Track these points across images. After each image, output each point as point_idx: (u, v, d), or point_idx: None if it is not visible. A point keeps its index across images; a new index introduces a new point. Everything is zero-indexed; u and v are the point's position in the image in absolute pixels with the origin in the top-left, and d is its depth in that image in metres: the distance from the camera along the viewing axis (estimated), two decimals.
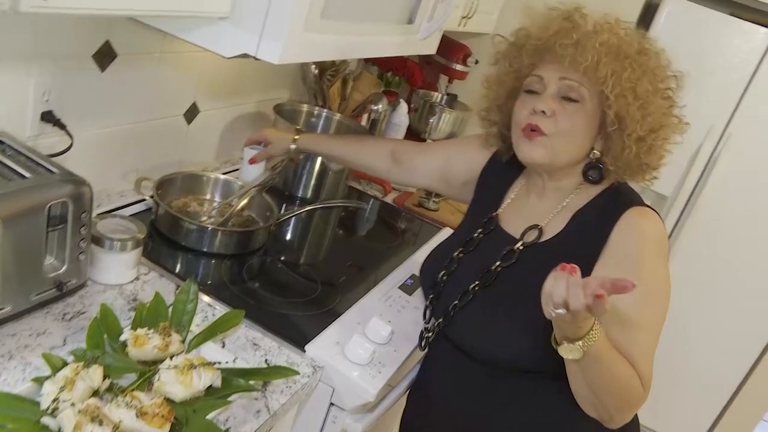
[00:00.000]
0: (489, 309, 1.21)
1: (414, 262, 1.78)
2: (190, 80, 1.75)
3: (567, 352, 1.00)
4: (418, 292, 1.63)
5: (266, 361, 1.25)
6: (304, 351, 1.29)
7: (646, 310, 1.10)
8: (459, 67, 2.79)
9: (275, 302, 1.45)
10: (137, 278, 1.35)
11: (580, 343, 0.98)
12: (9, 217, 1.01)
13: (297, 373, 1.18)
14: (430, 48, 1.87)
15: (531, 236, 1.23)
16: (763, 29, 2.54)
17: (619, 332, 1.07)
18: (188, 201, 1.72)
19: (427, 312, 1.34)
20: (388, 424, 1.59)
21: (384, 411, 1.37)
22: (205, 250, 1.54)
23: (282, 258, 1.67)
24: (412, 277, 1.69)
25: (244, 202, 1.65)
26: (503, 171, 1.38)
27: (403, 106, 2.37)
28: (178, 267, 1.47)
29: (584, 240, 1.17)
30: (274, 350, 1.28)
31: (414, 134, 2.77)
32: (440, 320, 1.27)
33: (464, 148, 1.51)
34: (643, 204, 1.19)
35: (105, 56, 1.44)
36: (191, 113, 1.81)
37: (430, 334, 1.31)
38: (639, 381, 1.07)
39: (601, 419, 1.12)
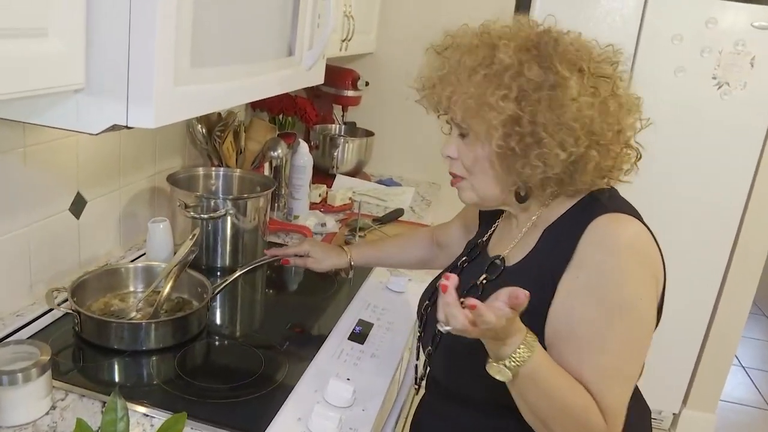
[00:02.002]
0: (460, 344, 1.05)
1: (356, 307, 1.64)
2: (67, 170, 1.57)
3: (495, 371, 0.93)
4: (371, 339, 1.50)
5: None
6: None
7: (610, 330, 0.97)
8: (350, 93, 2.70)
9: (219, 392, 1.27)
10: (53, 407, 1.15)
11: (507, 361, 0.91)
12: None
13: None
14: (318, 77, 1.75)
15: (495, 268, 1.16)
16: None
17: (576, 356, 0.97)
18: (109, 300, 1.53)
19: (418, 345, 1.29)
20: None
21: None
22: (143, 348, 1.36)
23: (216, 338, 1.49)
24: (360, 323, 1.55)
25: (170, 283, 1.46)
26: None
27: (304, 146, 2.24)
28: (111, 376, 1.28)
29: (553, 255, 1.06)
30: None
31: (321, 172, 2.65)
32: (427, 358, 1.22)
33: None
34: (621, 210, 1.05)
35: None
36: (77, 205, 1.62)
37: (422, 369, 1.25)
38: (596, 411, 0.95)
39: None
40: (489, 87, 1.02)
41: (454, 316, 0.86)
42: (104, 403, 1.17)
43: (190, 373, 1.32)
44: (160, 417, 1.16)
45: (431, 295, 1.26)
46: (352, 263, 1.60)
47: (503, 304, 0.86)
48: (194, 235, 1.50)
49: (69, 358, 1.33)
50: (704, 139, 2.69)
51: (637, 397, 1.17)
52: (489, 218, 1.31)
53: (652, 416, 3.00)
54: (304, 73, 1.64)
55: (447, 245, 1.55)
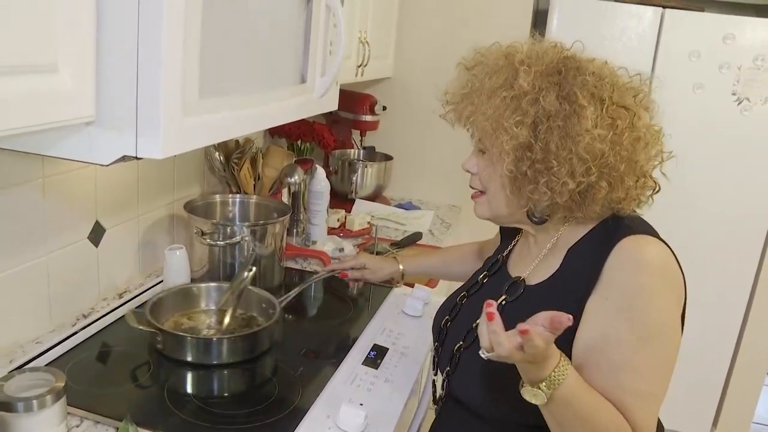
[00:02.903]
0: (479, 365, 1.07)
1: (372, 331, 1.64)
2: (86, 199, 1.60)
3: (530, 395, 0.93)
4: (385, 364, 1.49)
5: None
6: None
7: (640, 351, 0.98)
8: (368, 117, 2.72)
9: (233, 417, 1.28)
10: None
11: (543, 385, 0.91)
12: None
13: None
14: (331, 104, 1.77)
15: (515, 288, 1.16)
16: (651, 8, 2.56)
17: (607, 377, 0.98)
18: (179, 319, 1.62)
19: (435, 363, 1.30)
20: None
21: None
22: (215, 362, 1.45)
23: (232, 364, 1.50)
24: (374, 348, 1.55)
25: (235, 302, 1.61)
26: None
27: (321, 172, 2.26)
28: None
29: (577, 277, 1.06)
30: None
31: (340, 196, 2.67)
32: (447, 368, 1.21)
33: None
34: (645, 232, 1.05)
35: None
36: (96, 234, 1.65)
37: (441, 387, 1.25)
38: (623, 420, 0.96)
39: None
40: (506, 110, 1.04)
41: (500, 343, 0.87)
42: (118, 429, 1.18)
43: (203, 398, 1.34)
44: None
45: (450, 311, 1.28)
46: (404, 273, 1.71)
47: (543, 329, 0.86)
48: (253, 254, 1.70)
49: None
50: (725, 156, 2.66)
51: None
52: (509, 234, 1.33)
53: None
54: (317, 101, 1.66)
55: None
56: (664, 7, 2.53)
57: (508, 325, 1.00)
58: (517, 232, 1.30)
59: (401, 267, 1.71)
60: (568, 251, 1.11)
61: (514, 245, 1.30)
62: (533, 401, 0.93)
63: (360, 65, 2.35)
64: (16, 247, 1.40)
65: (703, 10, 2.57)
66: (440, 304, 1.36)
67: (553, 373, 0.91)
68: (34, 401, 1.10)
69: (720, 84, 2.58)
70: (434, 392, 1.31)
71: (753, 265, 2.81)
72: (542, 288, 1.12)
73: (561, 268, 1.11)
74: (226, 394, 1.40)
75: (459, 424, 1.20)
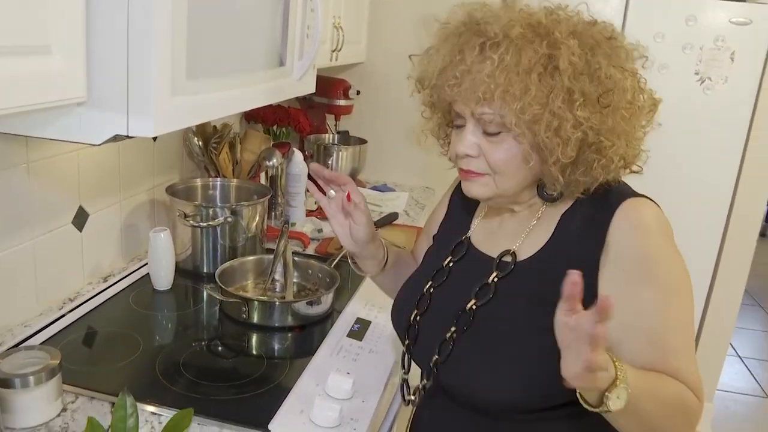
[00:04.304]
0: (479, 348, 1.05)
1: (353, 306, 1.69)
2: (69, 184, 1.62)
3: (614, 403, 0.83)
4: (369, 336, 1.54)
5: None
6: (269, 431, 1.18)
7: (670, 312, 0.97)
8: (342, 102, 2.76)
9: (222, 389, 1.32)
10: (64, 410, 1.20)
11: (620, 384, 0.83)
12: None
13: None
14: (309, 87, 1.80)
15: (505, 265, 1.09)
16: None
17: (647, 347, 0.95)
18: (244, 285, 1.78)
19: (406, 359, 1.20)
20: None
21: None
22: (276, 325, 1.57)
23: (218, 340, 1.54)
24: (358, 321, 1.60)
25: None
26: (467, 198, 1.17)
27: (298, 155, 2.29)
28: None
29: (576, 246, 1.03)
30: None
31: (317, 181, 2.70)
32: (432, 368, 1.11)
33: (435, 209, 1.37)
34: (636, 194, 1.04)
35: None
36: (80, 218, 1.67)
37: (421, 385, 1.15)
38: (688, 391, 0.94)
39: None
40: (552, 91, 0.94)
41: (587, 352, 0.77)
42: (113, 404, 1.22)
43: (194, 374, 1.37)
44: (168, 414, 1.20)
45: (417, 304, 1.17)
46: (387, 262, 1.33)
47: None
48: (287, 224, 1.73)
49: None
50: (690, 134, 2.74)
51: None
52: (464, 213, 1.24)
53: None
54: (296, 83, 1.70)
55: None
56: None
57: (507, 308, 1.03)
58: (476, 206, 1.22)
59: (386, 254, 1.34)
60: (560, 219, 1.07)
61: (476, 223, 1.22)
62: (618, 407, 0.83)
63: (334, 50, 2.38)
64: (1, 232, 1.42)
65: None
66: (393, 302, 1.27)
67: (618, 370, 0.83)
68: (31, 377, 1.13)
69: (683, 64, 2.67)
70: (405, 390, 1.21)
71: (717, 237, 2.91)
72: (536, 260, 1.07)
73: (554, 237, 1.06)
74: (214, 369, 1.44)
75: (452, 418, 1.14)
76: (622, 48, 1.00)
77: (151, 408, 1.23)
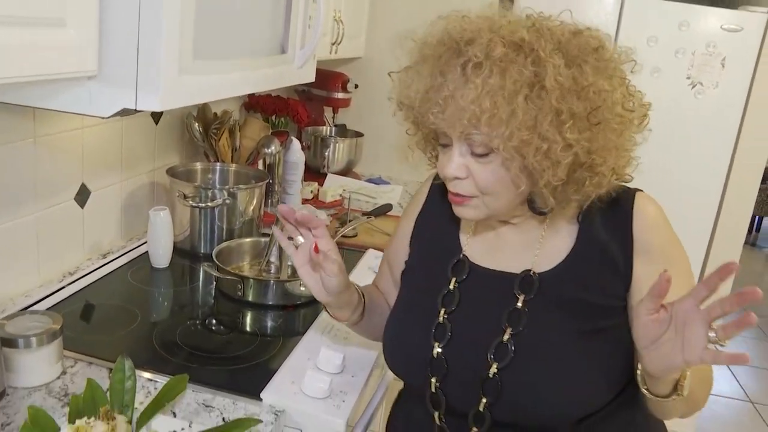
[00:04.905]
0: (530, 376, 1.01)
1: None
2: (73, 161, 1.67)
3: (686, 388, 0.90)
4: None
5: (223, 419, 1.17)
6: (261, 399, 1.22)
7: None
8: (340, 95, 2.81)
9: (217, 360, 1.37)
10: (63, 373, 1.25)
11: (688, 372, 0.90)
12: None
13: (259, 421, 1.10)
14: (309, 75, 1.85)
15: (530, 284, 1.04)
16: None
17: None
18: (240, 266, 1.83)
19: (438, 399, 1.06)
20: None
21: None
22: (270, 303, 1.63)
23: (210, 319, 1.59)
24: None
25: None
26: (445, 207, 1.09)
27: (296, 144, 2.34)
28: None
29: (605, 250, 1.03)
30: (229, 407, 1.20)
31: (313, 171, 2.75)
32: (484, 412, 1.02)
33: (395, 233, 1.29)
34: (633, 190, 1.07)
35: None
36: (82, 195, 1.72)
37: (474, 430, 1.05)
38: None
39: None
40: (539, 113, 0.89)
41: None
42: (111, 369, 1.26)
43: (190, 346, 1.42)
44: (163, 381, 1.24)
45: (434, 335, 1.07)
46: (365, 306, 1.21)
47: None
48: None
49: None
50: (680, 137, 2.80)
51: None
52: (441, 229, 1.16)
53: None
54: (296, 71, 1.74)
55: (390, 294, 1.27)
56: None
57: (544, 325, 1.01)
58: (458, 222, 1.15)
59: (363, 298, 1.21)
60: (580, 223, 1.05)
61: (465, 239, 1.14)
62: (688, 390, 0.90)
63: (334, 43, 2.43)
64: (6, 204, 1.46)
65: None
66: (391, 338, 1.15)
67: None
68: (33, 338, 1.18)
69: (676, 69, 2.72)
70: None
71: (704, 242, 2.96)
72: (563, 271, 1.04)
73: (579, 244, 1.04)
74: (210, 341, 1.48)
75: None
76: (610, 58, 0.96)
77: (147, 375, 1.27)
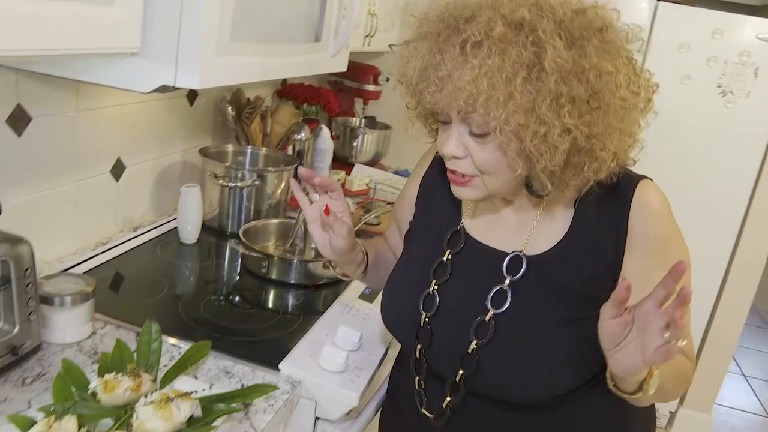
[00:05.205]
0: (507, 355, 1.04)
1: None
2: (110, 136, 1.73)
3: (653, 386, 0.91)
4: (379, 299, 1.62)
5: (242, 386, 1.22)
6: (279, 369, 1.28)
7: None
8: (371, 87, 2.86)
9: (238, 331, 1.43)
10: (94, 333, 1.31)
11: (656, 373, 0.91)
12: None
13: (276, 387, 1.16)
14: (341, 65, 1.90)
15: (517, 266, 1.06)
16: (647, 1, 2.70)
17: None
18: (265, 246, 1.87)
19: (421, 365, 1.13)
20: None
21: (369, 419, 1.36)
22: (292, 282, 1.68)
23: (234, 293, 1.65)
24: (369, 288, 1.69)
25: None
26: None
27: (326, 131, 2.39)
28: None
29: (599, 237, 1.03)
30: (248, 375, 1.26)
31: (341, 160, 2.80)
32: (459, 383, 1.07)
33: (402, 193, 1.33)
34: (638, 176, 1.05)
35: (19, 120, 1.41)
36: (118, 169, 1.79)
37: (446, 403, 1.10)
38: (687, 361, 1.04)
39: None
40: (537, 96, 0.88)
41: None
42: (138, 333, 1.32)
43: (213, 317, 1.48)
44: (187, 347, 1.30)
45: (423, 303, 1.11)
46: (367, 264, 1.28)
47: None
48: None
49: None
50: (707, 146, 2.81)
51: None
52: (445, 198, 1.16)
53: None
54: (329, 60, 1.79)
55: (398, 248, 1.31)
56: None
57: (527, 308, 1.03)
58: (450, 197, 1.13)
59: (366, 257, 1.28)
60: (576, 209, 1.05)
61: (466, 211, 1.16)
62: (653, 390, 0.91)
63: (367, 35, 2.47)
64: (47, 173, 1.53)
65: (693, 5, 2.71)
66: (386, 300, 1.21)
67: None
68: (68, 298, 1.24)
69: (707, 77, 2.73)
70: (421, 398, 1.16)
71: (727, 251, 2.97)
72: (553, 256, 1.05)
73: (573, 229, 1.05)
74: (233, 317, 1.54)
75: (489, 417, 1.11)
76: (615, 39, 0.93)
77: (172, 340, 1.33)
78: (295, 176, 1.21)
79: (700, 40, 2.69)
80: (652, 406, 1.21)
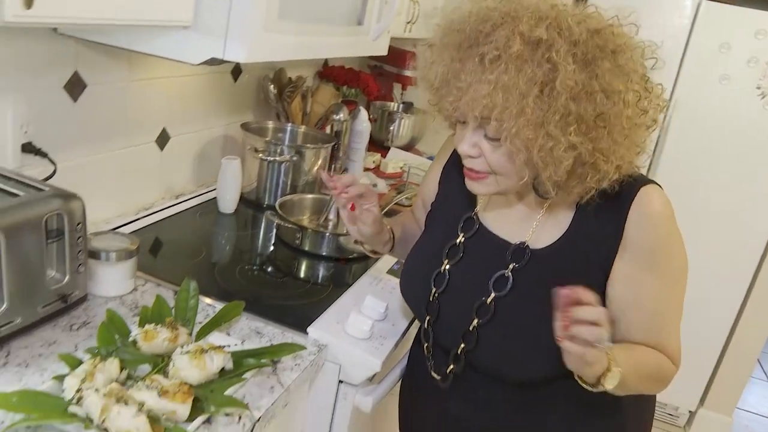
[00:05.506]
0: (504, 336, 1.12)
1: None
2: (157, 107, 1.81)
3: (610, 383, 0.98)
4: None
5: (271, 345, 1.29)
6: (307, 333, 1.34)
7: (669, 296, 1.10)
8: (410, 73, 2.90)
9: (270, 296, 1.51)
10: (135, 289, 1.39)
11: (616, 370, 0.98)
12: (9, 229, 1.05)
13: (304, 347, 1.23)
14: (382, 49, 1.95)
15: (520, 256, 1.13)
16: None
17: (643, 326, 1.09)
18: (300, 219, 1.94)
19: (428, 334, 1.24)
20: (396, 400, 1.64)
21: (391, 386, 1.42)
22: (323, 253, 1.75)
23: (268, 262, 1.72)
24: (398, 263, 1.75)
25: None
26: None
27: (364, 113, 2.45)
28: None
29: (595, 238, 1.09)
30: (277, 335, 1.33)
31: (377, 144, 2.86)
32: (460, 355, 1.17)
33: (428, 173, 1.42)
34: (645, 181, 1.09)
35: (75, 87, 1.49)
36: (163, 139, 1.87)
37: (449, 369, 1.21)
38: (668, 361, 1.10)
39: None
40: (548, 112, 0.94)
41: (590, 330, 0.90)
42: (176, 291, 1.40)
43: (247, 282, 1.56)
44: (221, 307, 1.37)
45: (434, 280, 1.20)
46: (394, 242, 1.40)
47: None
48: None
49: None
50: (742, 147, 2.79)
51: None
52: (459, 188, 1.21)
53: (669, 412, 3.11)
54: (371, 43, 1.85)
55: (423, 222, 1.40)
56: None
57: (526, 295, 1.10)
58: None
59: (392, 236, 1.40)
60: (577, 210, 1.11)
61: (482, 200, 1.23)
62: (612, 385, 0.98)
63: (408, 22, 2.52)
64: (97, 138, 1.62)
65: (737, 4, 2.70)
66: (405, 274, 1.31)
67: (610, 358, 0.97)
68: (113, 253, 1.33)
69: (746, 77, 2.72)
70: (430, 362, 1.27)
71: (758, 252, 2.95)
72: (551, 252, 1.12)
73: (572, 230, 1.11)
74: (265, 283, 1.61)
75: (486, 388, 1.20)
76: (630, 58, 0.99)
77: (207, 300, 1.41)
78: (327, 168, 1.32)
79: (742, 40, 2.68)
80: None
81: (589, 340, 0.90)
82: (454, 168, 1.28)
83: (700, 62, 2.72)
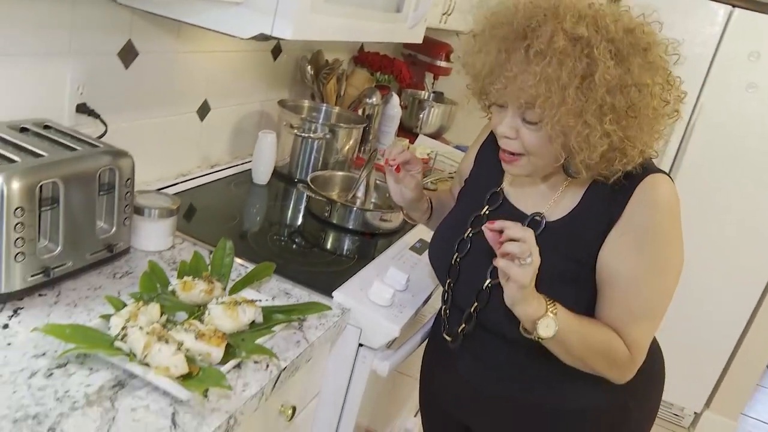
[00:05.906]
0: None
1: (418, 230, 1.91)
2: (201, 79, 1.91)
3: (544, 331, 1.08)
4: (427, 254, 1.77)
5: (299, 303, 1.38)
6: (332, 297, 1.43)
7: (648, 283, 1.15)
8: (443, 63, 2.98)
9: (299, 263, 1.59)
10: (173, 246, 1.49)
11: (551, 316, 1.08)
12: (68, 178, 1.15)
13: (329, 308, 1.32)
14: (417, 36, 2.03)
15: (536, 225, 1.21)
16: (722, 6, 2.74)
17: (615, 304, 1.16)
18: (329, 194, 1.97)
19: (448, 296, 1.35)
20: (412, 368, 1.71)
21: (408, 353, 1.50)
22: (350, 227, 1.83)
23: (297, 233, 1.81)
24: (420, 240, 1.83)
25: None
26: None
27: (395, 98, 2.53)
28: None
29: (599, 214, 1.17)
30: (304, 296, 1.42)
31: (406, 130, 2.94)
32: (473, 314, 1.27)
33: (467, 152, 1.51)
34: (657, 170, 1.17)
35: (128, 54, 1.59)
36: (203, 110, 1.96)
37: (461, 328, 1.30)
38: (623, 345, 1.15)
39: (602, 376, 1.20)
40: (587, 102, 1.04)
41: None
42: (211, 251, 1.49)
43: (277, 248, 1.65)
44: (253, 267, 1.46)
45: (458, 247, 1.30)
46: (432, 211, 1.54)
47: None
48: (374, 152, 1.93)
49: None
50: (766, 156, 2.82)
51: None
52: (495, 163, 1.27)
53: (674, 412, 3.16)
54: (407, 31, 1.93)
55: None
56: (733, 6, 2.71)
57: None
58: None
59: (431, 206, 1.54)
60: (588, 188, 1.19)
61: (508, 177, 1.32)
62: (548, 333, 1.08)
63: (445, 13, 2.59)
64: (142, 104, 1.71)
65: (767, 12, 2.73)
66: (434, 241, 1.41)
67: (548, 304, 1.09)
68: (155, 210, 1.42)
69: None
70: (445, 324, 1.37)
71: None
72: (562, 224, 1.21)
73: (581, 205, 1.19)
74: (311, 248, 1.70)
75: (493, 349, 1.29)
76: (657, 54, 1.09)
77: (240, 261, 1.50)
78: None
79: None
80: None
81: (515, 254, 1.03)
82: (489, 148, 1.37)
83: (728, 69, 2.75)
